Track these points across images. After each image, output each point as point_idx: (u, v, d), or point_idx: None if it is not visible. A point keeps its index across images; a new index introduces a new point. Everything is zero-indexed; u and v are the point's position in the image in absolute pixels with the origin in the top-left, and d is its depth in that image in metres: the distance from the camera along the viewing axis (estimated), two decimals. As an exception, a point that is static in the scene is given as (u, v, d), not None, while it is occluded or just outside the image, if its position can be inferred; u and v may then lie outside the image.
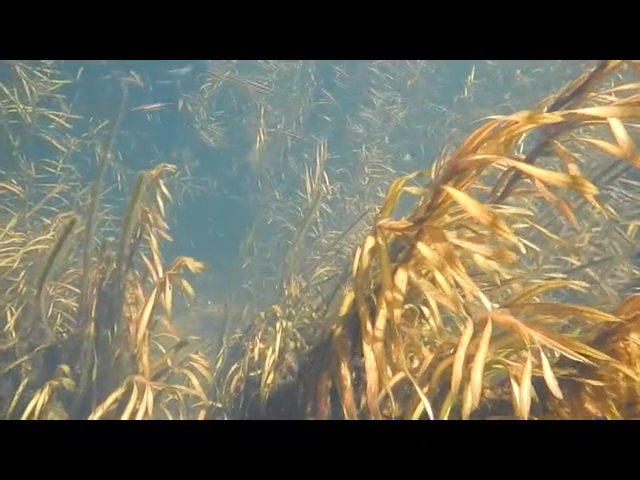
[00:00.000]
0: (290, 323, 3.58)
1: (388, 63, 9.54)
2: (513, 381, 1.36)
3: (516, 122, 1.14)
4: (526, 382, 1.27)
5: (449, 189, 1.10)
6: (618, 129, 1.60)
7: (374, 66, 9.53)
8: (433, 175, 3.53)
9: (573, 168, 1.68)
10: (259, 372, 3.38)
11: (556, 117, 1.08)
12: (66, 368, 3.13)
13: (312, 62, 9.13)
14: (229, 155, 9.37)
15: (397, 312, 1.33)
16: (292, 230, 7.47)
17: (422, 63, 9.37)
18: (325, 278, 5.28)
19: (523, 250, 1.16)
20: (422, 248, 1.26)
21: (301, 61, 9.00)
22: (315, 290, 5.32)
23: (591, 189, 1.03)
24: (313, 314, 4.12)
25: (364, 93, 9.43)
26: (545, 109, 2.45)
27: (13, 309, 4.26)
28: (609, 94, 2.12)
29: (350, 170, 8.59)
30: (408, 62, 9.38)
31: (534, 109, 2.56)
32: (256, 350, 3.56)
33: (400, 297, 1.35)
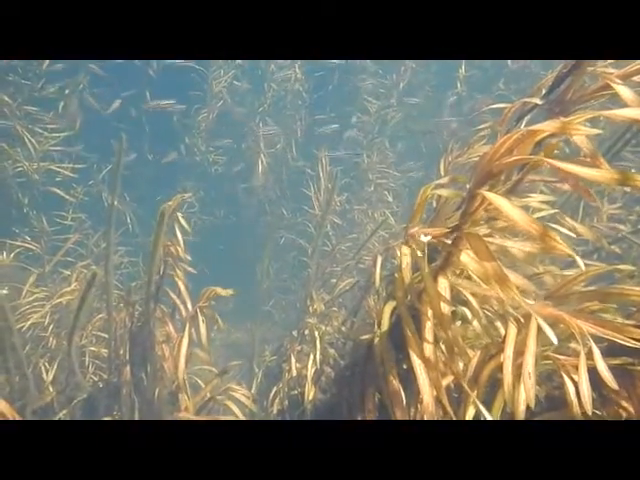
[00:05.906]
0: (322, 338, 3.57)
1: (378, 68, 9.62)
2: (565, 376, 1.34)
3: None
4: (583, 376, 1.24)
5: (491, 196, 1.09)
6: (625, 92, 1.61)
7: (365, 73, 9.60)
8: (442, 171, 3.52)
9: (588, 146, 1.67)
10: (299, 390, 3.36)
11: (595, 130, 1.08)
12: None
13: (303, 78, 9.23)
14: (233, 182, 9.46)
15: (446, 321, 1.33)
16: (305, 246, 7.47)
17: (411, 63, 9.42)
18: (347, 288, 5.27)
19: (582, 265, 1.14)
20: (468, 262, 1.25)
21: (292, 78, 9.10)
22: (338, 303, 5.30)
23: (641, 183, 1.02)
24: (342, 328, 4.11)
25: (358, 101, 9.51)
26: (543, 91, 2.45)
27: (47, 364, 4.30)
28: (606, 66, 2.11)
29: (355, 179, 8.62)
30: (398, 64, 9.44)
31: (533, 92, 2.56)
32: (293, 368, 3.55)
33: (447, 306, 1.34)
